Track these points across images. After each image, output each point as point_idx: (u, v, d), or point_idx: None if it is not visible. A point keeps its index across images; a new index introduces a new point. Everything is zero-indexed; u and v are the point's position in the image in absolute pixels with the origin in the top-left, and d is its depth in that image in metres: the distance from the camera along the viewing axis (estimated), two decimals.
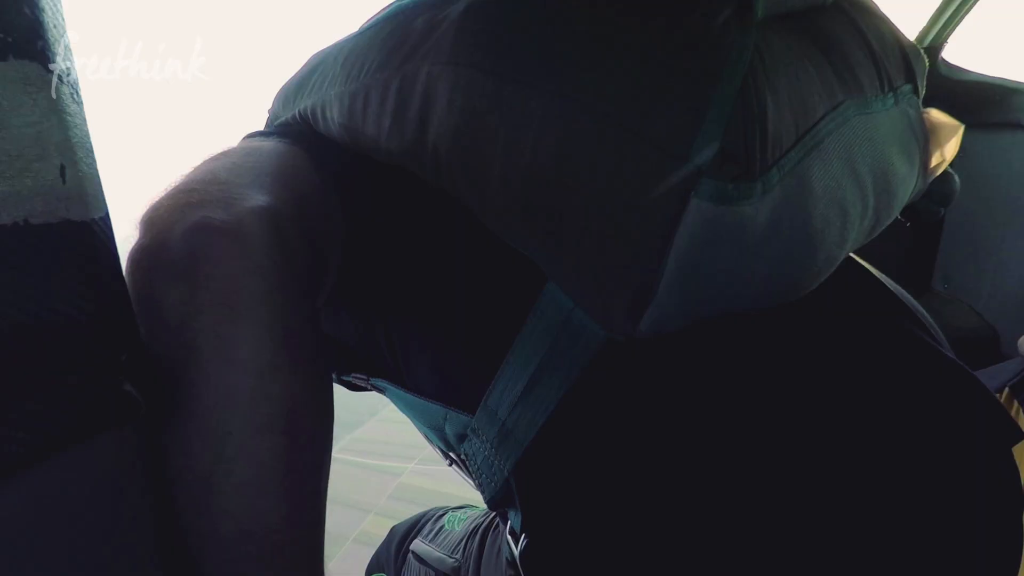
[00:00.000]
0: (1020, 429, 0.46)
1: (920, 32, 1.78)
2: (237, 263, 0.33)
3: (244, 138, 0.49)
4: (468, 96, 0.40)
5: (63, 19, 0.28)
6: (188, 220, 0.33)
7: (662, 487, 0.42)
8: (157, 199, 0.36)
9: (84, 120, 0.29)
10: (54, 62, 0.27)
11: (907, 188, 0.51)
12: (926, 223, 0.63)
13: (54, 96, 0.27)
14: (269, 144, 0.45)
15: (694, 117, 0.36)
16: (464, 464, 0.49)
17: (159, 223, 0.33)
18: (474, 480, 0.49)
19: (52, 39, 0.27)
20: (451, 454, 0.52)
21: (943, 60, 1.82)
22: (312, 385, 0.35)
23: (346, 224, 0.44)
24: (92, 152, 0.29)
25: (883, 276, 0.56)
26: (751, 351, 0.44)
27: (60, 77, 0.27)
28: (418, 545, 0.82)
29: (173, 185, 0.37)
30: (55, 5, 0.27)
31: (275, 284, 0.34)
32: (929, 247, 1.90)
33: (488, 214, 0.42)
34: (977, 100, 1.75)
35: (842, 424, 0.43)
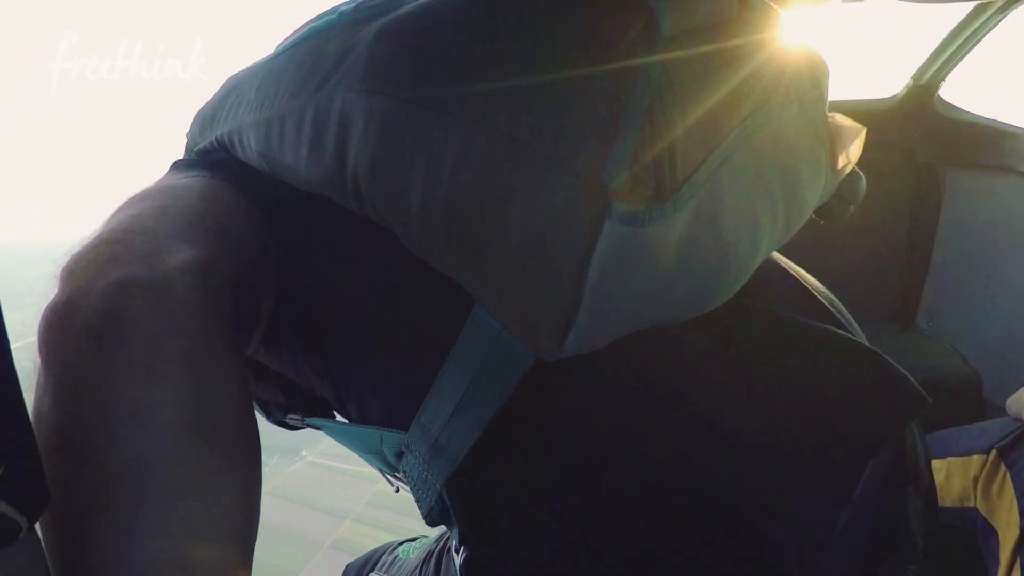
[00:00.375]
0: (925, 397, 0.50)
1: (918, 70, 1.78)
2: (159, 323, 0.32)
3: (169, 170, 0.49)
4: (383, 124, 0.40)
5: None
6: (109, 276, 0.32)
7: (591, 499, 0.44)
8: (78, 251, 0.35)
9: None
10: None
11: (815, 191, 0.53)
12: (838, 221, 0.64)
13: None
14: (195, 182, 0.45)
15: (604, 142, 0.37)
16: (406, 484, 0.51)
17: (77, 279, 0.32)
18: (415, 498, 0.49)
19: None
20: (395, 475, 0.53)
21: (939, 98, 1.81)
22: (235, 448, 0.35)
23: (278, 257, 0.45)
24: None
25: (800, 272, 0.60)
26: (675, 360, 0.46)
27: None
28: None
29: (96, 235, 0.35)
30: None
31: (199, 344, 0.33)
32: (915, 284, 1.88)
33: (412, 242, 0.43)
34: (969, 141, 1.75)
35: (759, 425, 0.45)
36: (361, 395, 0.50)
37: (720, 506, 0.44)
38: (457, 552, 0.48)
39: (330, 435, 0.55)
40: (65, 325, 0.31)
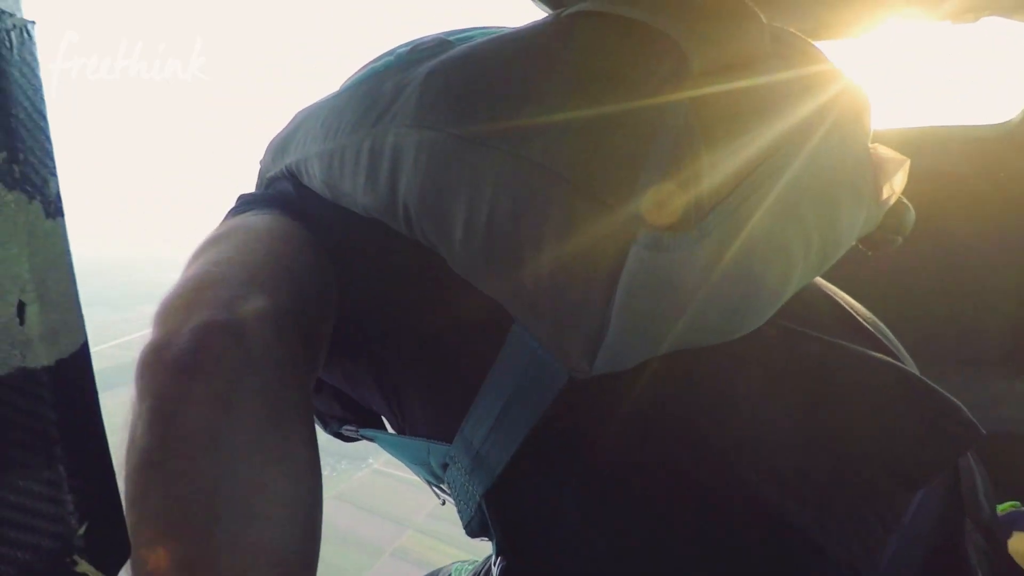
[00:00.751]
0: (978, 428, 0.48)
1: None
2: (237, 361, 0.35)
3: (236, 203, 0.54)
4: (431, 157, 0.44)
5: (43, 121, 0.23)
6: (194, 320, 0.36)
7: (623, 515, 0.45)
8: (167, 297, 0.40)
9: (61, 235, 0.23)
10: (25, 175, 0.21)
11: (855, 222, 0.53)
12: (885, 252, 0.64)
13: (21, 218, 0.21)
14: (262, 222, 0.49)
15: (632, 173, 0.40)
16: (450, 495, 0.53)
17: (168, 322, 0.37)
18: (459, 512, 0.52)
19: (25, 146, 0.22)
20: (440, 486, 0.55)
21: None
22: (301, 474, 0.38)
23: (339, 284, 0.49)
24: (67, 274, 0.23)
25: (847, 299, 0.60)
26: (715, 378, 0.47)
27: (31, 191, 0.22)
28: None
29: (182, 280, 0.41)
30: (34, 105, 0.22)
31: (271, 380, 0.37)
32: None
33: (456, 264, 0.46)
34: None
35: (797, 445, 0.45)
36: (410, 409, 0.52)
37: (764, 520, 0.43)
38: (495, 564, 0.49)
39: (382, 446, 0.57)
40: (158, 362, 0.35)
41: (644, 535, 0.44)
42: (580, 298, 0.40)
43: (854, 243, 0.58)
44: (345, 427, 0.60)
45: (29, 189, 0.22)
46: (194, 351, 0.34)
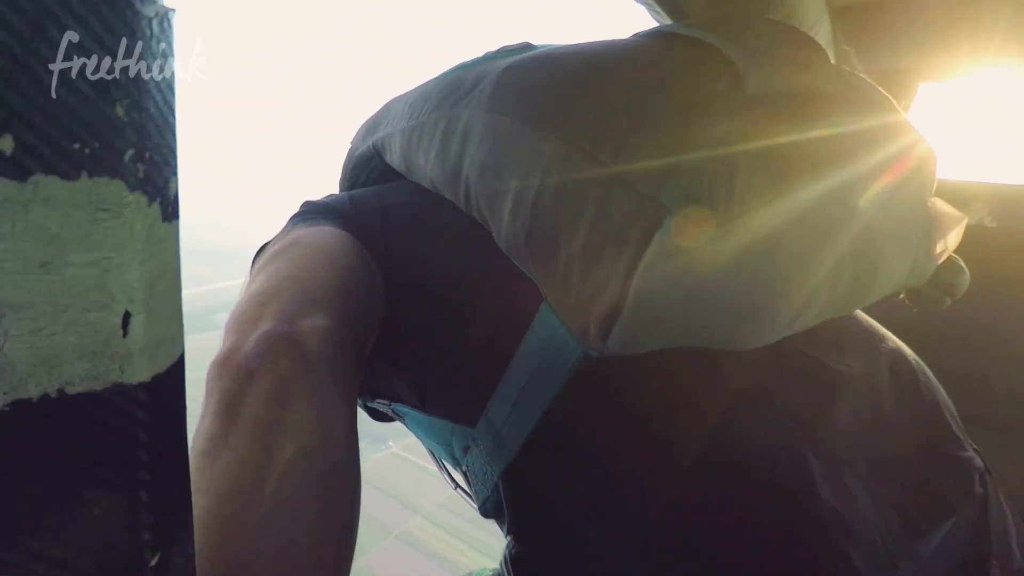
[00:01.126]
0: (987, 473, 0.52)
1: None
2: (292, 365, 0.39)
3: (299, 212, 0.59)
4: (496, 138, 0.49)
5: (172, 116, 0.21)
6: (258, 330, 0.40)
7: (626, 503, 0.47)
8: (236, 311, 0.44)
9: (175, 240, 0.22)
10: (148, 176, 0.20)
11: (896, 270, 0.55)
12: (932, 309, 0.64)
13: (140, 221, 0.19)
14: (322, 238, 0.53)
15: (668, 167, 0.43)
16: (467, 478, 0.55)
17: (236, 332, 0.41)
18: (472, 492, 0.55)
19: (152, 143, 0.20)
20: (456, 468, 0.58)
21: None
22: (343, 466, 0.40)
23: (385, 290, 0.54)
24: (175, 282, 0.21)
25: (890, 337, 0.61)
26: (715, 386, 0.50)
27: (152, 192, 0.20)
28: None
29: (248, 294, 0.46)
30: (165, 99, 0.20)
31: (323, 384, 0.40)
32: None
33: (501, 239, 0.50)
34: None
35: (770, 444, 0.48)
36: (438, 391, 0.55)
37: (765, 519, 0.45)
38: (507, 547, 0.50)
39: (409, 425, 0.60)
40: (225, 365, 0.39)
41: (647, 526, 0.46)
42: (604, 276, 0.43)
43: (900, 295, 0.62)
44: (378, 400, 0.62)
45: (151, 190, 0.20)
46: (257, 356, 0.39)
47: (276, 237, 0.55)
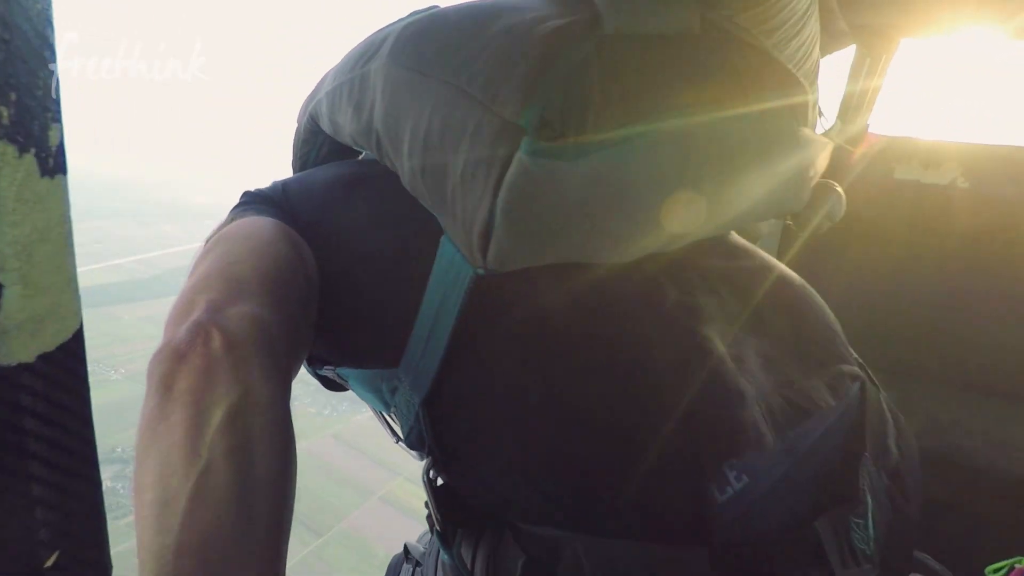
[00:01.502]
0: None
1: None
2: (219, 344, 0.42)
3: (240, 201, 0.63)
4: (395, 87, 0.55)
5: (48, 51, 0.17)
6: (189, 319, 0.44)
7: (530, 424, 0.50)
8: (174, 306, 0.47)
9: (61, 198, 0.18)
10: (18, 122, 0.16)
11: (762, 193, 0.61)
12: (807, 230, 0.70)
13: (8, 175, 0.16)
14: (255, 228, 0.57)
15: (527, 96, 0.48)
16: (397, 418, 0.58)
17: (172, 327, 0.44)
18: (400, 428, 0.58)
19: (20, 83, 0.17)
20: (390, 414, 0.60)
21: None
22: (268, 431, 0.43)
23: (318, 275, 0.57)
24: (63, 247, 0.19)
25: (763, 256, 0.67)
26: (601, 303, 0.54)
27: (24, 141, 0.17)
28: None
29: (183, 291, 0.49)
30: (38, 31, 0.17)
31: (248, 356, 0.43)
32: None
33: (405, 180, 0.55)
34: None
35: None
36: (367, 346, 0.58)
37: (649, 436, 0.48)
38: (430, 478, 0.54)
39: (352, 386, 0.64)
40: (162, 353, 0.42)
41: (542, 449, 0.49)
42: (478, 197, 0.48)
43: (784, 219, 0.70)
44: (326, 367, 0.65)
45: (21, 139, 0.17)
46: (187, 341, 0.42)
47: (216, 228, 0.60)
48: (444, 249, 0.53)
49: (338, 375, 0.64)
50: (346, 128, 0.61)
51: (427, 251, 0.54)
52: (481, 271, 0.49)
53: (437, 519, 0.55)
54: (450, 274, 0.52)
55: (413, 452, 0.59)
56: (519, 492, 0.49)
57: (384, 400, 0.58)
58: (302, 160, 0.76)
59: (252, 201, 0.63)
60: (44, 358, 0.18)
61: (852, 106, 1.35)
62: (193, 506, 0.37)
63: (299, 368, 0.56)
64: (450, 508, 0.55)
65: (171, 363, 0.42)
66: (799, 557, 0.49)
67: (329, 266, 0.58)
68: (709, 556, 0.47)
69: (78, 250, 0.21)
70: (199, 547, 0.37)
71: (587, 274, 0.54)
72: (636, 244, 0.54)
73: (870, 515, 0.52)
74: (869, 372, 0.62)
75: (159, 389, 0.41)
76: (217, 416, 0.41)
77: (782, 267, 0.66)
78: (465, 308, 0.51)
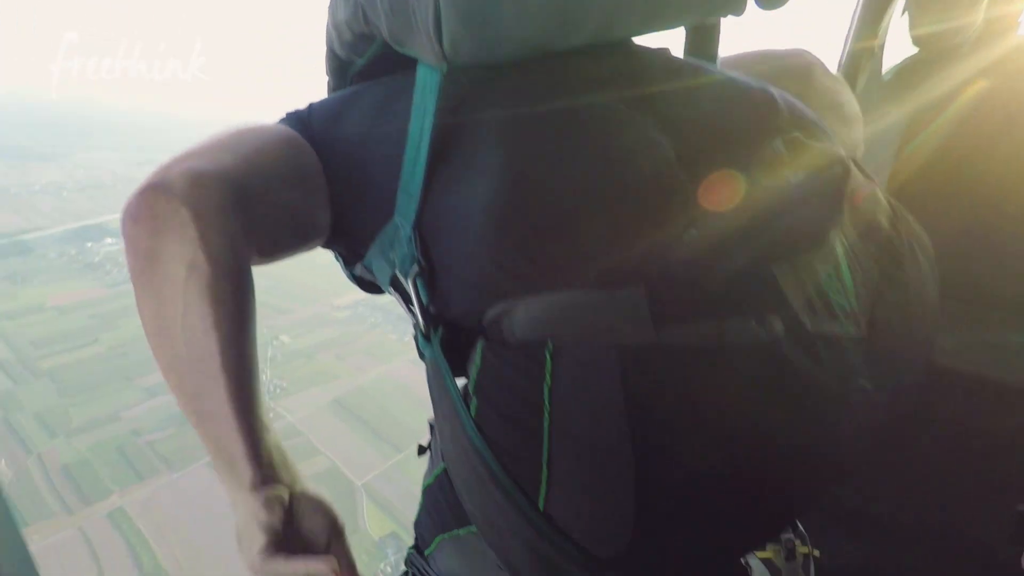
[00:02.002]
0: None
1: None
2: (163, 204, 0.52)
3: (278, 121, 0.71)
4: None
5: None
6: (151, 179, 0.54)
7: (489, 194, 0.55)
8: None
9: None
10: None
11: None
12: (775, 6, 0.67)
13: None
14: (272, 128, 0.66)
15: None
16: (399, 269, 0.61)
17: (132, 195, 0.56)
18: (399, 269, 0.60)
19: None
20: (403, 288, 0.61)
21: None
22: (215, 272, 0.53)
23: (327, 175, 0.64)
24: None
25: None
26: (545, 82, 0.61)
27: None
28: None
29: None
30: None
31: (187, 211, 0.52)
32: None
33: (383, 22, 0.61)
34: None
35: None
36: (365, 211, 0.63)
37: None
38: (427, 333, 0.58)
39: (375, 270, 0.65)
40: (123, 215, 0.54)
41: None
42: None
43: None
44: (358, 265, 0.68)
45: None
46: (137, 205, 0.53)
47: None
48: (418, 74, 0.60)
49: (366, 268, 0.68)
50: (344, 22, 0.67)
51: (407, 93, 0.61)
52: (444, 66, 0.57)
53: (421, 323, 0.58)
54: (425, 90, 0.59)
55: (406, 280, 0.59)
56: (484, 272, 0.54)
57: (391, 263, 0.62)
58: (336, 85, 0.81)
59: (283, 119, 0.70)
60: None
61: None
62: (156, 337, 0.54)
63: (303, 241, 0.64)
64: (433, 311, 0.58)
65: (128, 227, 0.53)
66: (755, 302, 0.49)
67: (336, 172, 0.63)
68: (646, 294, 0.48)
69: None
70: (168, 368, 0.54)
71: (557, 71, 0.61)
72: (586, 22, 0.59)
73: (844, 267, 0.52)
74: (866, 171, 0.63)
75: (127, 250, 0.53)
76: (168, 269, 0.52)
77: None
78: (440, 108, 0.57)
